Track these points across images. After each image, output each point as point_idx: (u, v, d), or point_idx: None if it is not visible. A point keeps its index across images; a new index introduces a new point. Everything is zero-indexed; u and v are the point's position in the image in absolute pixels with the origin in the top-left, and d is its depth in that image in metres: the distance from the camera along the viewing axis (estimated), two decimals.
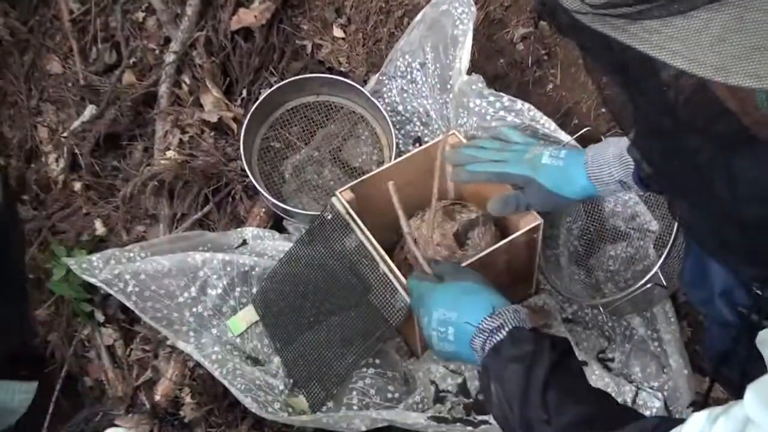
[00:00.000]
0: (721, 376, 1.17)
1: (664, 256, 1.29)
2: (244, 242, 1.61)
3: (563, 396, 0.90)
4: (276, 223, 1.69)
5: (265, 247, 1.58)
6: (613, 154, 1.18)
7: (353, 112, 1.74)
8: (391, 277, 1.30)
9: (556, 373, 0.91)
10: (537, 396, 0.90)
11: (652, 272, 1.28)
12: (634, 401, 1.34)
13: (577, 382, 0.95)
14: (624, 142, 1.17)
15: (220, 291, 1.49)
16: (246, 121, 1.65)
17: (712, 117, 0.59)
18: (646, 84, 0.59)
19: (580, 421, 0.87)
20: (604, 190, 1.22)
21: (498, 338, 0.98)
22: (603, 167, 1.19)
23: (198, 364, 1.52)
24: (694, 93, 0.57)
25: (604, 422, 0.86)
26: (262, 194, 1.61)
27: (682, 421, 0.75)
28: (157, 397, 1.53)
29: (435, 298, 1.10)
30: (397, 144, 1.64)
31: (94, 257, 1.49)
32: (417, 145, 1.68)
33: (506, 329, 0.98)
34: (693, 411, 1.29)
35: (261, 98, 1.69)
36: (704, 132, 0.61)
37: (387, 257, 1.32)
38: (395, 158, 1.57)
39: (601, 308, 1.44)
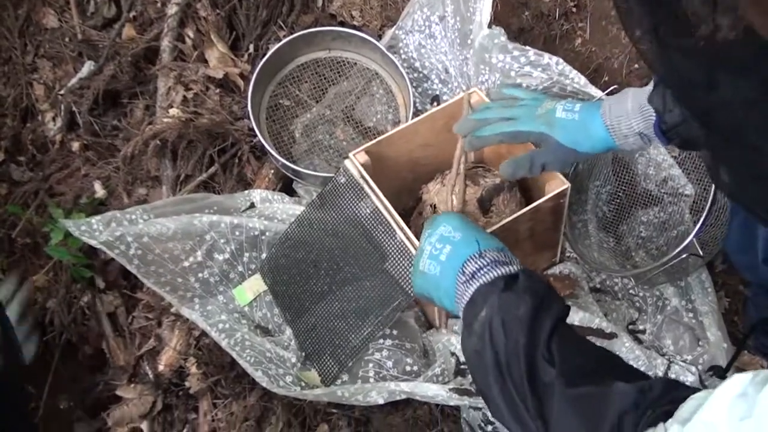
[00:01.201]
0: (761, 345, 1.10)
1: (700, 223, 1.21)
2: (252, 205, 1.53)
3: (569, 343, 0.86)
4: (285, 186, 1.61)
5: (274, 211, 1.50)
6: (633, 106, 1.10)
7: (367, 68, 1.65)
8: (408, 244, 1.22)
9: (562, 325, 0.88)
10: (544, 336, 0.85)
11: (687, 241, 1.20)
12: (665, 375, 1.27)
13: (581, 337, 0.91)
14: (644, 92, 1.09)
15: (227, 256, 1.41)
16: (254, 78, 1.57)
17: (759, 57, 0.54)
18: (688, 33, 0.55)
19: (586, 369, 0.83)
20: (623, 144, 1.14)
21: (510, 270, 0.93)
22: (622, 119, 1.11)
23: (204, 333, 1.46)
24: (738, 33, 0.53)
25: (609, 374, 0.82)
26: (271, 154, 1.53)
27: (692, 389, 0.73)
28: (161, 367, 1.47)
29: (449, 218, 1.05)
30: (414, 103, 1.55)
31: (94, 219, 1.41)
32: (435, 104, 1.59)
33: (516, 266, 0.94)
34: (711, 376, 1.24)
35: (269, 53, 1.60)
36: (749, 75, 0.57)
37: (404, 224, 1.24)
38: (412, 118, 1.48)
39: (631, 278, 1.36)
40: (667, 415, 0.71)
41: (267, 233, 1.42)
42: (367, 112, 1.62)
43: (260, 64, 1.59)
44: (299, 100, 1.64)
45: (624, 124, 1.11)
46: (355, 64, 1.66)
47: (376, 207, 1.27)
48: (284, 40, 1.62)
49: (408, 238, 1.22)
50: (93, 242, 1.34)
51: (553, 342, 0.85)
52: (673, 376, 1.27)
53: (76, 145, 1.75)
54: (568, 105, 1.18)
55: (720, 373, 1.25)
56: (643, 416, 0.73)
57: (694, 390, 0.75)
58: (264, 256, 1.43)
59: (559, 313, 0.89)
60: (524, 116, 1.21)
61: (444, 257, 0.99)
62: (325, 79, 1.66)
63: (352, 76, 1.65)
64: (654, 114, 1.07)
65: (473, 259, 0.95)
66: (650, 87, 1.08)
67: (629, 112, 1.10)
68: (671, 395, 0.75)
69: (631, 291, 1.39)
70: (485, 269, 0.93)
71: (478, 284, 0.93)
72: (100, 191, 1.68)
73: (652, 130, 1.08)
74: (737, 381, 0.65)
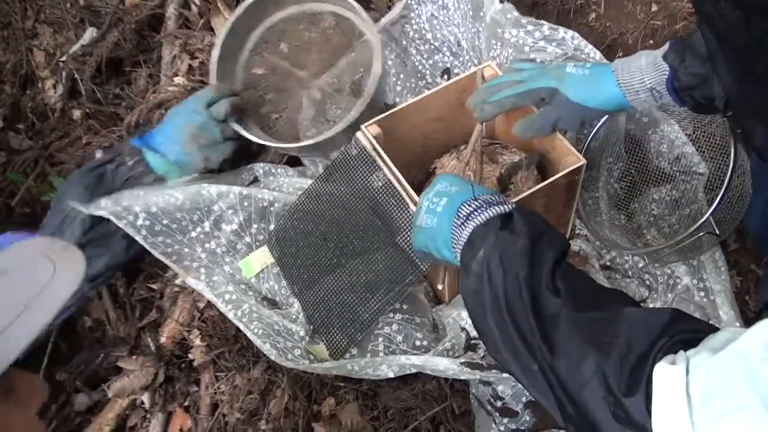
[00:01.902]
0: None
1: (717, 202, 1.19)
2: (256, 179, 1.50)
3: (574, 275, 0.87)
4: (290, 158, 1.58)
5: (280, 184, 1.48)
6: (646, 61, 1.10)
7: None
8: None
9: (563, 259, 0.88)
10: (547, 268, 0.85)
11: (704, 219, 1.19)
12: None
13: (585, 273, 0.92)
14: (658, 52, 1.09)
15: (235, 227, 1.39)
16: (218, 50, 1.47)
17: None
18: None
19: (593, 298, 0.83)
20: (634, 100, 1.13)
21: (504, 209, 0.93)
22: (634, 73, 1.11)
23: (207, 305, 1.44)
24: None
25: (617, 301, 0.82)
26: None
27: (702, 321, 0.74)
28: (163, 339, 1.46)
29: (447, 176, 1.06)
30: (425, 74, 1.52)
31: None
32: (446, 77, 1.57)
33: (510, 205, 0.95)
34: None
35: (231, 19, 1.51)
36: None
37: (417, 197, 1.22)
38: (424, 90, 1.45)
39: (644, 256, 1.35)
40: (685, 344, 0.71)
41: (276, 204, 1.40)
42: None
43: (223, 35, 1.49)
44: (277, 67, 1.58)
45: (636, 79, 1.11)
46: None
47: (389, 180, 1.25)
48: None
49: None
50: (101, 212, 1.31)
51: (558, 273, 0.85)
52: None
53: (77, 114, 1.72)
54: (579, 63, 1.17)
55: None
56: (657, 342, 0.72)
57: (703, 321, 0.76)
58: (272, 227, 1.41)
59: (561, 246, 0.88)
60: (534, 75, 1.20)
61: (440, 209, 0.99)
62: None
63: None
64: (668, 69, 1.07)
65: (467, 203, 0.95)
66: (665, 47, 1.08)
67: (642, 68, 1.10)
68: (684, 324, 0.74)
69: (642, 269, 1.38)
70: (479, 210, 0.94)
71: (473, 225, 0.93)
72: None
73: (665, 86, 1.08)
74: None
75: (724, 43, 0.80)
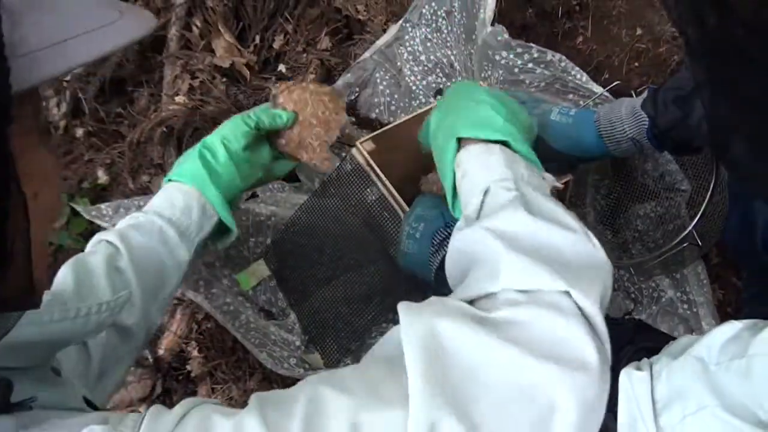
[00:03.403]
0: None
1: (699, 215, 1.24)
2: (254, 194, 1.54)
3: None
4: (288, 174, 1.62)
5: (277, 199, 1.52)
6: (626, 111, 1.14)
7: None
8: None
9: None
10: None
11: (688, 230, 1.23)
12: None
13: None
14: (637, 100, 1.12)
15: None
16: None
17: None
18: None
19: None
20: (616, 149, 1.17)
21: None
22: (615, 124, 1.15)
23: (205, 317, 1.47)
24: None
25: None
26: None
27: (663, 333, 0.78)
28: (161, 351, 1.48)
29: (424, 198, 1.11)
30: (418, 95, 1.57)
31: (103, 205, 1.42)
32: (439, 96, 1.62)
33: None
34: None
35: None
36: None
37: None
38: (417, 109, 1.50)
39: (631, 269, 1.39)
40: (649, 352, 0.74)
41: (273, 218, 1.44)
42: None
43: None
44: None
45: (617, 129, 1.15)
46: None
47: (382, 194, 1.29)
48: None
49: None
50: (106, 225, 1.35)
51: None
52: None
53: (80, 132, 1.75)
54: (564, 109, 1.21)
55: None
56: (621, 350, 0.76)
57: (664, 333, 0.81)
58: (269, 241, 1.45)
59: None
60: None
61: (419, 235, 1.04)
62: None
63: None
64: (647, 120, 1.11)
65: (439, 231, 1.00)
66: (643, 96, 1.12)
67: (623, 118, 1.14)
68: (646, 335, 0.78)
69: (627, 282, 1.42)
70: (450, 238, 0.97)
71: (444, 252, 0.96)
72: (102, 177, 1.69)
73: (645, 136, 1.12)
74: (733, 325, 0.69)
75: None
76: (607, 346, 0.66)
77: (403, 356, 0.61)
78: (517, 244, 0.71)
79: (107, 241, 1.04)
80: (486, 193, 0.81)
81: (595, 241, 0.74)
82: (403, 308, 0.67)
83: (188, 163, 1.13)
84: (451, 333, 0.64)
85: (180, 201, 1.11)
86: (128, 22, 0.58)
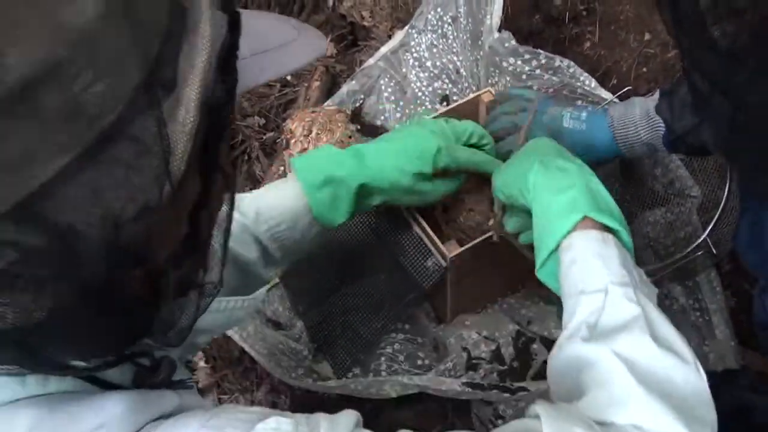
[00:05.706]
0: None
1: (713, 222, 1.23)
2: None
3: None
4: None
5: None
6: (641, 115, 1.13)
7: None
8: (424, 239, 1.23)
9: None
10: None
11: (702, 238, 1.22)
12: None
13: None
14: (650, 101, 1.11)
15: None
16: None
17: None
18: None
19: None
20: (629, 152, 1.17)
21: None
22: (630, 128, 1.14)
23: None
24: None
25: None
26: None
27: None
28: None
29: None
30: (424, 101, 1.56)
31: None
32: (444, 103, 1.61)
33: None
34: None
35: None
36: None
37: (421, 218, 1.25)
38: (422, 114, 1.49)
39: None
40: None
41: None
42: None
43: None
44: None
45: (632, 134, 1.14)
46: None
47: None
48: None
49: (425, 231, 1.23)
50: None
51: None
52: None
53: None
54: (575, 113, 1.19)
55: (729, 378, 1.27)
56: None
57: None
58: None
59: None
60: (533, 128, 1.21)
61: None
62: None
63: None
64: (662, 124, 1.09)
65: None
66: (656, 97, 1.11)
67: (637, 122, 1.13)
68: None
69: None
70: None
71: None
72: None
73: (660, 141, 1.11)
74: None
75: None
76: None
77: None
78: (645, 378, 0.74)
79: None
80: (606, 293, 0.82)
81: (702, 371, 0.77)
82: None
83: None
84: None
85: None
86: (303, 42, 0.60)
